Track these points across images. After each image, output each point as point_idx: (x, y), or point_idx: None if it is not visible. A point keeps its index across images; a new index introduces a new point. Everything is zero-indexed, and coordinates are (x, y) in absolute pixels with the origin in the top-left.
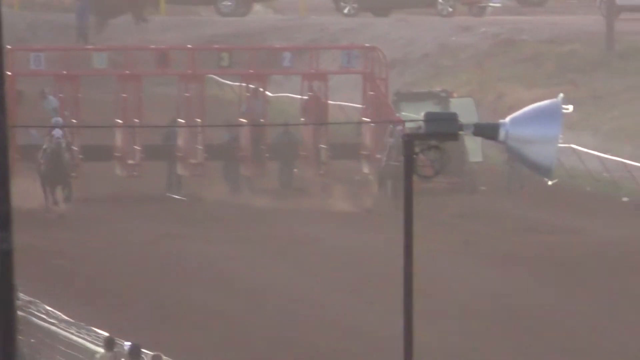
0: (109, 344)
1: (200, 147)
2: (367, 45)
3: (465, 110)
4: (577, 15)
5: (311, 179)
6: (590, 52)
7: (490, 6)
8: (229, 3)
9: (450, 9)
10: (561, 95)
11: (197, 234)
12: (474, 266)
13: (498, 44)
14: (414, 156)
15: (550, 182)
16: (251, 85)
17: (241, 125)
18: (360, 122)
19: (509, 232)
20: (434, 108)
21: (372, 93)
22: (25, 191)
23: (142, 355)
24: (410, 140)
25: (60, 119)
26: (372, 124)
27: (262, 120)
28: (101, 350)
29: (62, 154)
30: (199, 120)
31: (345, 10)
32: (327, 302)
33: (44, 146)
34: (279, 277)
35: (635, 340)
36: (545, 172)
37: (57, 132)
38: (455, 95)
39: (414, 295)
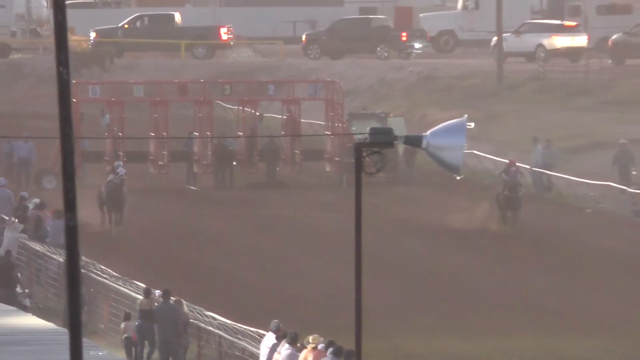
0: (147, 292)
1: (209, 152)
2: (328, 79)
3: (398, 126)
4: (477, 59)
5: (289, 175)
6: (486, 85)
7: (414, 52)
8: (202, 49)
9: (386, 54)
10: (466, 115)
11: (207, 214)
12: (407, 238)
13: (421, 78)
14: (362, 158)
15: (458, 178)
16: (247, 109)
17: (238, 137)
18: (324, 135)
19: (430, 212)
20: (376, 125)
21: (332, 114)
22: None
23: (172, 297)
24: (359, 148)
25: (121, 165)
26: (331, 136)
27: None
28: (140, 297)
29: (122, 187)
30: (208, 133)
31: (311, 55)
32: (298, 262)
33: (109, 178)
34: (264, 244)
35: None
36: (455, 170)
37: (121, 170)
38: (391, 115)
39: (363, 258)
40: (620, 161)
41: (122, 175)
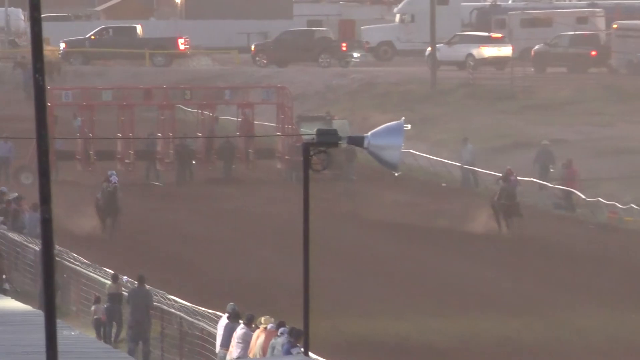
0: (114, 277)
1: (171, 151)
2: (279, 85)
3: (342, 128)
4: (413, 67)
5: (243, 172)
6: (421, 90)
7: (352, 60)
8: (161, 59)
9: (328, 63)
10: (403, 118)
11: (170, 207)
12: (350, 228)
13: (363, 85)
14: (310, 157)
15: (396, 174)
16: (206, 112)
17: (198, 137)
18: (275, 135)
19: (371, 205)
20: (322, 126)
21: (282, 116)
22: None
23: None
24: (307, 147)
25: (114, 174)
26: (282, 136)
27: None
28: (109, 282)
29: (116, 195)
30: (170, 134)
31: (259, 63)
32: (252, 250)
33: (103, 186)
34: (222, 234)
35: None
36: (393, 167)
37: (114, 178)
38: (336, 118)
39: (311, 246)
40: (540, 160)
41: (115, 183)
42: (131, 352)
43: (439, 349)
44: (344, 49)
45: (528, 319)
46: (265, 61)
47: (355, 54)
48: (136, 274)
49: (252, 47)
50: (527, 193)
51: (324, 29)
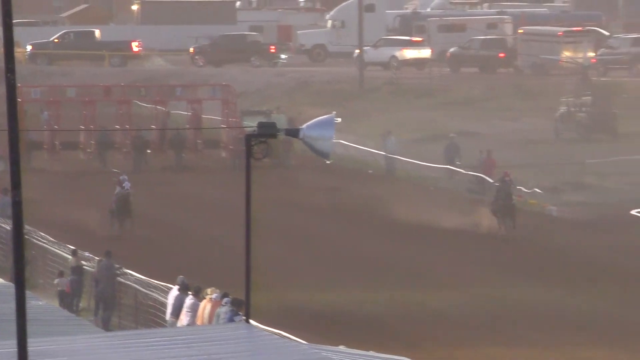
0: (74, 252)
1: (128, 141)
2: (224, 83)
3: (280, 121)
4: (343, 67)
5: (193, 160)
6: (350, 88)
7: (279, 61)
8: (117, 60)
9: (258, 64)
10: (334, 112)
11: (135, 190)
12: (288, 210)
13: (299, 83)
14: (252, 147)
15: (328, 162)
16: (159, 107)
17: (152, 129)
18: (220, 128)
19: (307, 189)
20: (263, 120)
21: (227, 111)
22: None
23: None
24: (249, 138)
25: (126, 180)
26: (227, 129)
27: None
28: (70, 257)
29: (129, 199)
30: (127, 126)
31: (197, 64)
32: (200, 229)
33: (117, 191)
34: (174, 215)
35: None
36: (325, 156)
37: (127, 184)
38: (274, 112)
39: (253, 226)
40: (449, 151)
41: (127, 188)
42: (96, 320)
43: (368, 317)
44: (272, 51)
45: (452, 292)
46: (202, 62)
47: (283, 56)
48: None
49: (191, 49)
50: (441, 179)
51: (254, 33)
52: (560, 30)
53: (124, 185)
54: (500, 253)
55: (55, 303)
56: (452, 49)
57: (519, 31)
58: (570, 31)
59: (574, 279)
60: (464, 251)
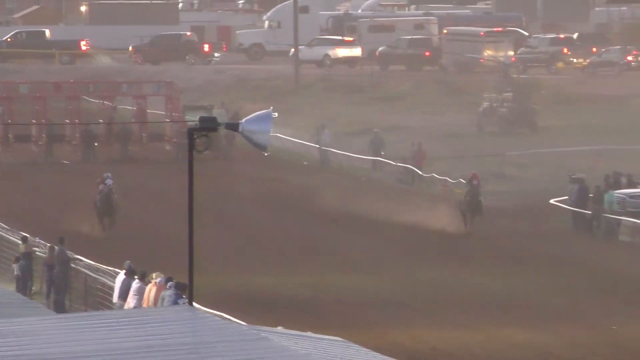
0: (24, 239)
1: (77, 134)
2: (167, 80)
3: (221, 116)
4: (279, 65)
5: (138, 152)
6: (286, 85)
7: (213, 59)
8: (66, 58)
9: (193, 62)
10: (271, 107)
11: (76, 182)
12: (229, 199)
13: (238, 80)
14: (194, 140)
15: (266, 154)
16: (106, 102)
17: (99, 123)
18: (164, 122)
19: (246, 179)
20: (204, 114)
21: (170, 106)
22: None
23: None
24: (191, 132)
25: (109, 177)
26: (170, 123)
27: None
28: (20, 242)
29: (112, 196)
30: (77, 120)
31: (135, 62)
32: (146, 217)
33: (100, 188)
34: (121, 204)
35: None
36: (263, 148)
37: (109, 181)
38: (215, 107)
39: (195, 214)
40: (374, 144)
41: (110, 185)
42: (48, 303)
43: (302, 300)
44: (206, 50)
45: (382, 277)
46: (140, 60)
47: (217, 54)
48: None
49: (130, 48)
50: (372, 170)
51: (188, 33)
52: (481, 30)
53: (106, 182)
54: (427, 240)
55: (11, 287)
56: (380, 48)
57: (444, 31)
58: (491, 31)
59: (497, 264)
60: (393, 238)
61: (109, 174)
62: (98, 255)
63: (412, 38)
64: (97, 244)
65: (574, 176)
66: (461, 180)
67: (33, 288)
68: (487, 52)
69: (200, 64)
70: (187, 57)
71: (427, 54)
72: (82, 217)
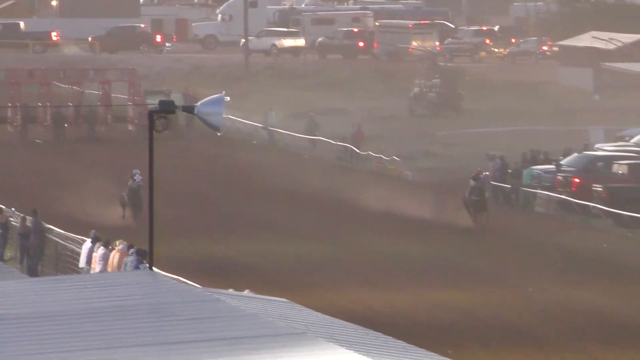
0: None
1: (49, 116)
2: (130, 67)
3: (178, 99)
4: (231, 54)
5: (103, 133)
6: (237, 72)
7: (165, 49)
8: (39, 47)
9: (146, 50)
10: (224, 92)
11: (48, 159)
12: (184, 174)
13: (194, 68)
14: (154, 121)
15: (219, 134)
16: (75, 87)
17: (69, 106)
18: (127, 105)
19: (201, 157)
20: (164, 98)
21: (133, 91)
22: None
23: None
24: (151, 114)
25: (138, 173)
26: (133, 106)
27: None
28: None
29: (140, 191)
30: (48, 103)
31: (94, 51)
32: (111, 191)
33: (129, 183)
34: (88, 180)
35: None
36: (217, 129)
37: (138, 177)
38: (173, 92)
39: (155, 188)
40: (309, 127)
41: (138, 181)
42: (21, 268)
43: (252, 266)
44: (158, 41)
45: (326, 246)
46: (98, 49)
47: (168, 44)
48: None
49: (90, 38)
50: (312, 149)
51: (142, 25)
52: (410, 23)
53: (135, 178)
54: (363, 211)
55: None
56: (320, 39)
57: (376, 24)
58: (418, 24)
59: (426, 232)
60: (331, 210)
61: (138, 170)
62: (65, 224)
63: (347, 30)
64: (57, 209)
65: (491, 154)
66: (394, 158)
67: (8, 254)
68: (415, 43)
69: (153, 52)
70: (141, 47)
71: (361, 44)
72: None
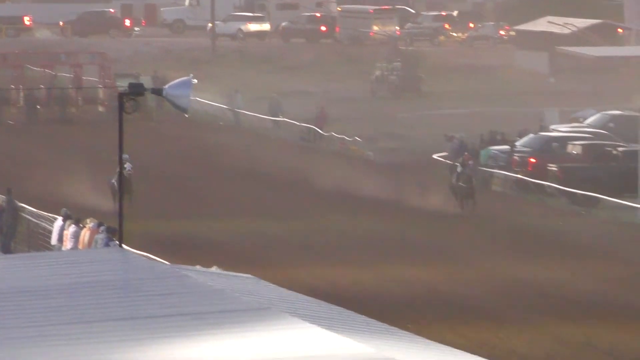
0: None
1: (22, 98)
2: (101, 51)
3: (147, 82)
4: (199, 38)
5: (75, 114)
6: (205, 55)
7: (134, 32)
8: (12, 32)
9: (116, 34)
10: (191, 75)
11: (22, 140)
12: (153, 153)
13: (163, 51)
14: (124, 103)
15: (186, 115)
16: (47, 70)
17: (41, 88)
18: (98, 87)
19: (169, 137)
20: (133, 81)
21: (103, 74)
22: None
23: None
24: (121, 96)
25: (128, 159)
26: (103, 88)
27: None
28: None
29: (130, 180)
30: (21, 86)
31: (64, 35)
32: (80, 170)
33: (117, 170)
34: (60, 159)
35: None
36: (184, 111)
37: (128, 165)
38: (142, 75)
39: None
40: (272, 107)
41: (129, 170)
42: None
43: (219, 243)
44: (128, 25)
45: (282, 222)
46: (69, 33)
47: (137, 29)
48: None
49: (61, 23)
50: (276, 130)
51: (112, 10)
52: (371, 8)
53: (125, 165)
54: (330, 193)
55: None
56: (283, 24)
57: (338, 9)
58: (379, 9)
59: (387, 211)
60: (296, 188)
61: (128, 156)
62: (37, 202)
63: (310, 14)
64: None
65: (449, 135)
66: (357, 138)
67: None
68: (376, 27)
69: (122, 37)
70: (110, 31)
71: (324, 28)
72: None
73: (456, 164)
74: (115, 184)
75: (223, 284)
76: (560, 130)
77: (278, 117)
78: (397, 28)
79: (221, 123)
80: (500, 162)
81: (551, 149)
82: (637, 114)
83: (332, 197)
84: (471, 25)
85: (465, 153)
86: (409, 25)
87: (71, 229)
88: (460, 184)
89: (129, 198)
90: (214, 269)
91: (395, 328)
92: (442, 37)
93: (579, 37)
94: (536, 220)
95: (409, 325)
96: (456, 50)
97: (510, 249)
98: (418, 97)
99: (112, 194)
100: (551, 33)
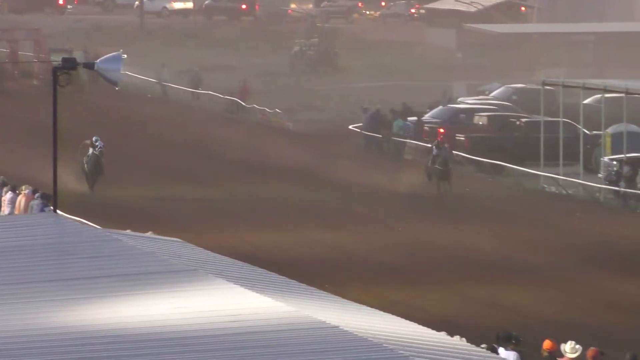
0: None
1: None
2: (37, 28)
3: (80, 57)
4: (127, 15)
5: (11, 86)
6: (133, 31)
7: (67, 9)
8: None
9: (50, 11)
10: (121, 50)
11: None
12: (86, 124)
13: (95, 28)
14: (57, 76)
15: (117, 88)
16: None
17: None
18: (33, 62)
19: (101, 108)
20: (66, 56)
21: (38, 49)
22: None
23: None
24: (55, 70)
25: (99, 140)
26: (38, 62)
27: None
28: None
29: (101, 159)
30: None
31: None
32: (28, 147)
33: (89, 152)
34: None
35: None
36: (115, 84)
37: (100, 144)
38: (75, 50)
39: (59, 139)
40: (192, 81)
41: (100, 148)
42: None
43: (145, 209)
44: (61, 3)
45: (207, 188)
46: (6, 9)
47: (69, 6)
48: None
49: None
50: (204, 102)
51: None
52: None
53: (96, 144)
54: (253, 161)
55: None
56: (206, 2)
57: None
58: None
59: (303, 178)
60: (218, 156)
61: (98, 137)
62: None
63: None
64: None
65: (365, 106)
66: (277, 110)
67: None
68: (293, 5)
69: (56, 14)
70: (45, 8)
71: (244, 7)
72: None
73: (432, 146)
74: (86, 165)
75: (152, 247)
76: (467, 102)
77: (198, 89)
78: (311, 6)
79: (149, 95)
80: (411, 133)
81: (459, 120)
82: (538, 87)
83: (252, 166)
84: (383, 3)
85: (440, 137)
86: (324, 3)
87: (8, 195)
88: (436, 166)
89: (101, 177)
90: (149, 234)
91: (314, 288)
92: (356, 15)
93: (484, 15)
94: (444, 186)
95: (326, 285)
96: (370, 28)
97: (423, 214)
98: (334, 71)
99: (85, 175)
100: (459, 11)
